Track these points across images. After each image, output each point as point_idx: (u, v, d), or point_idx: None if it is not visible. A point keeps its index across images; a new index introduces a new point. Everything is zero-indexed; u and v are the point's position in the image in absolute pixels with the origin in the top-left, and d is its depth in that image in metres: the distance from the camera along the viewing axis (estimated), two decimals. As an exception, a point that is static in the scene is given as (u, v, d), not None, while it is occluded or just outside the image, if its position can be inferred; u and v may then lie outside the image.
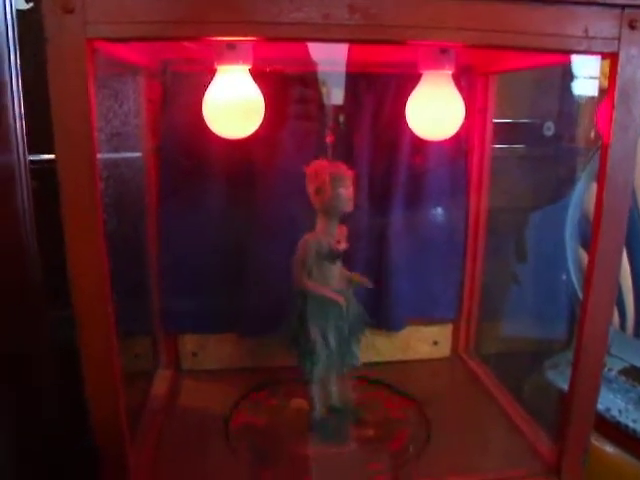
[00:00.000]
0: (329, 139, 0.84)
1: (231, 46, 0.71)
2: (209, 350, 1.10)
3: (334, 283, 0.87)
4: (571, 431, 0.76)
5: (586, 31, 0.61)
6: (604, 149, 0.66)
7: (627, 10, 0.61)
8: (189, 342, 1.10)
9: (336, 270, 0.87)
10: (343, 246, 0.86)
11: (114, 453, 0.69)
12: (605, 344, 0.73)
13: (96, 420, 0.67)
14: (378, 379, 1.07)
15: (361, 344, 0.92)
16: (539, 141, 1.35)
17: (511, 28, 0.60)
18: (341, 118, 0.97)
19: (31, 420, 0.91)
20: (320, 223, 0.86)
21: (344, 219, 0.87)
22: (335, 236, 0.86)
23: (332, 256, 0.86)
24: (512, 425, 0.94)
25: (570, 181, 1.24)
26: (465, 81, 1.00)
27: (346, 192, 0.82)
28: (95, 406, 0.67)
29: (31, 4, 1.00)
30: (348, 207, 0.83)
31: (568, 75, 1.28)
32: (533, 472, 0.81)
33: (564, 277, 1.27)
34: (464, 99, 0.83)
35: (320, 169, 0.82)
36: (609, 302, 0.72)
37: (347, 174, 0.82)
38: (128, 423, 0.70)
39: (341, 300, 0.85)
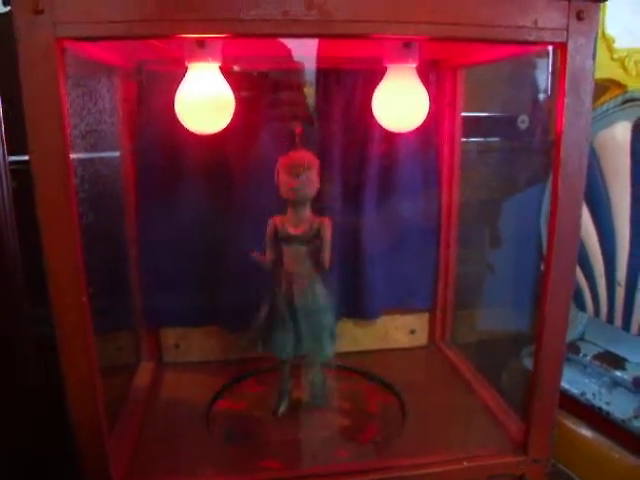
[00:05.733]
0: (297, 130, 0.86)
1: (200, 44, 0.73)
2: (191, 343, 1.12)
3: (291, 265, 0.90)
4: (537, 408, 0.79)
5: (535, 22, 0.64)
6: (557, 137, 0.69)
7: (574, 2, 0.64)
8: (171, 335, 1.12)
9: (296, 253, 0.90)
10: (293, 230, 0.89)
11: (92, 443, 0.71)
12: (566, 321, 0.76)
13: (74, 412, 0.69)
14: (368, 372, 1.10)
15: (334, 338, 0.94)
16: (514, 134, 1.38)
17: (464, 20, 0.63)
18: (311, 113, 0.99)
19: (17, 418, 0.93)
20: (287, 210, 0.89)
21: (317, 209, 0.90)
22: (295, 223, 0.88)
23: (285, 238, 0.89)
24: (486, 409, 0.96)
25: (544, 172, 1.28)
26: (433, 75, 1.03)
27: (289, 180, 0.84)
28: (73, 399, 0.68)
29: (9, 7, 1.01)
30: (289, 195, 0.86)
31: (541, 68, 1.32)
32: (502, 450, 0.84)
33: (542, 267, 1.30)
34: (432, 93, 0.86)
35: (281, 158, 0.86)
36: (568, 281, 0.75)
37: (294, 161, 0.84)
38: (106, 414, 0.72)
39: (264, 260, 0.90)
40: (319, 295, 0.91)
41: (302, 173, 0.84)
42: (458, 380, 1.07)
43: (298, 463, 0.85)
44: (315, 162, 0.86)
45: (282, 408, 0.96)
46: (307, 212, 0.89)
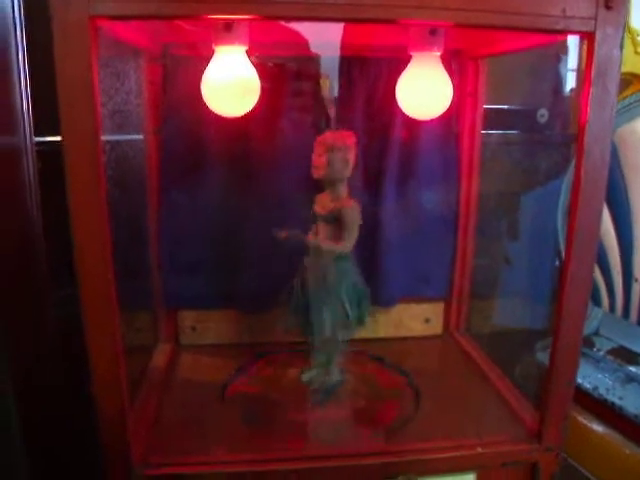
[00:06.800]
0: (331, 111, 0.87)
1: (228, 27, 0.74)
2: (208, 325, 1.14)
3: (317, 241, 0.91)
4: (552, 398, 0.79)
5: (564, 11, 0.64)
6: (581, 127, 0.69)
7: (603, -9, 0.64)
8: (188, 317, 1.13)
9: (323, 232, 0.91)
10: (318, 209, 0.90)
11: (115, 422, 0.72)
12: (584, 311, 0.77)
13: (98, 389, 0.71)
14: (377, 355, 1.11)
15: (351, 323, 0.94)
16: (533, 127, 1.38)
17: (492, 8, 0.63)
18: (335, 101, 1.00)
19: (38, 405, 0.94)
20: None
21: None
22: (325, 202, 0.90)
23: (313, 215, 0.91)
24: (500, 397, 0.97)
25: (562, 166, 1.27)
26: (455, 65, 1.03)
27: (314, 157, 0.86)
28: (97, 376, 0.70)
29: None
30: (313, 172, 0.87)
31: (561, 62, 1.32)
32: (517, 438, 0.84)
33: (557, 262, 1.31)
34: (455, 83, 0.86)
35: None
36: (587, 274, 0.75)
37: (322, 140, 0.85)
38: (129, 393, 0.73)
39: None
40: (337, 277, 0.91)
41: (326, 152, 0.84)
42: (472, 369, 1.08)
43: (312, 446, 0.87)
44: (347, 143, 0.86)
45: (306, 375, 0.98)
46: (340, 193, 0.89)
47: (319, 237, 0.91)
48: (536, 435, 0.82)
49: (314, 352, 0.96)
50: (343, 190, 0.89)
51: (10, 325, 0.87)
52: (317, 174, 0.87)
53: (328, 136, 0.86)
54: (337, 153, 0.85)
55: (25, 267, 0.93)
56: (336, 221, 0.89)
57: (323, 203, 0.90)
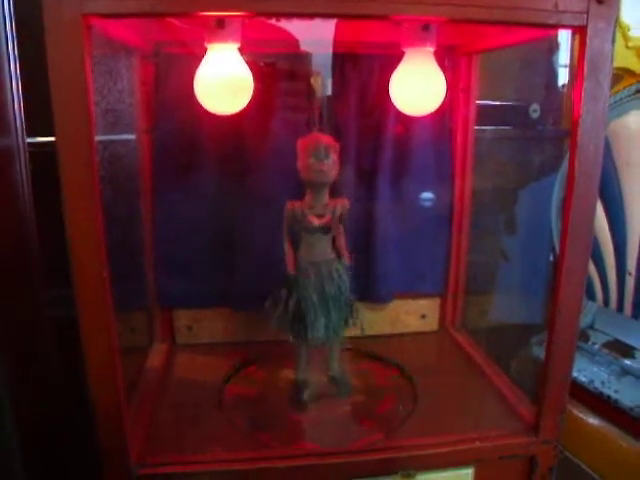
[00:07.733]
0: (317, 112, 0.86)
1: (220, 25, 0.74)
2: (204, 324, 1.13)
3: (315, 254, 0.89)
4: (548, 390, 0.80)
5: (556, 5, 0.64)
6: (574, 121, 0.69)
7: (594, -15, 0.64)
8: (184, 317, 1.13)
9: (319, 242, 0.89)
10: (317, 221, 0.87)
11: (111, 422, 0.72)
12: (579, 307, 0.77)
13: (94, 389, 0.70)
14: (368, 351, 1.11)
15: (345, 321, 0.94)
16: (525, 123, 1.38)
17: (485, 2, 0.64)
18: (328, 98, 1.00)
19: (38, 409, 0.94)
20: (306, 194, 0.88)
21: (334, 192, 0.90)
22: (316, 208, 0.87)
23: (307, 228, 0.87)
24: (496, 391, 0.97)
25: (555, 162, 1.28)
26: (448, 61, 1.04)
27: (316, 163, 0.83)
28: (93, 373, 0.70)
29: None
30: (318, 178, 0.84)
31: (553, 57, 1.32)
32: (514, 431, 0.85)
33: (551, 257, 1.31)
34: (447, 78, 0.86)
35: (303, 140, 0.85)
36: (582, 266, 0.75)
37: (321, 144, 0.83)
38: (125, 392, 0.73)
39: (290, 269, 0.89)
40: (344, 279, 0.91)
41: (330, 154, 0.83)
42: (469, 364, 1.08)
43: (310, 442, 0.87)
44: (337, 144, 0.85)
45: (306, 395, 0.95)
46: (327, 195, 0.88)
47: (312, 248, 0.89)
48: (533, 429, 0.83)
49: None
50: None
51: (4, 325, 0.87)
52: (324, 178, 0.84)
53: (324, 138, 0.84)
54: (335, 154, 0.84)
55: (19, 267, 0.92)
56: (332, 228, 0.88)
57: (317, 212, 0.87)
